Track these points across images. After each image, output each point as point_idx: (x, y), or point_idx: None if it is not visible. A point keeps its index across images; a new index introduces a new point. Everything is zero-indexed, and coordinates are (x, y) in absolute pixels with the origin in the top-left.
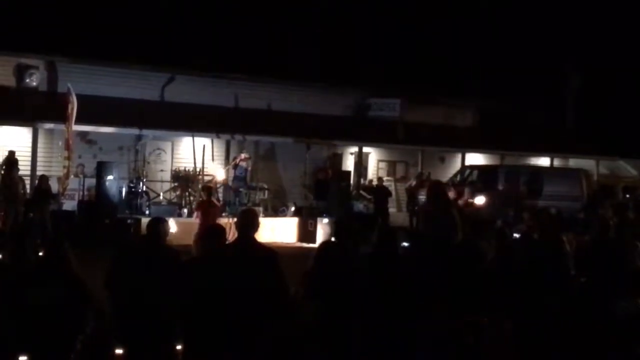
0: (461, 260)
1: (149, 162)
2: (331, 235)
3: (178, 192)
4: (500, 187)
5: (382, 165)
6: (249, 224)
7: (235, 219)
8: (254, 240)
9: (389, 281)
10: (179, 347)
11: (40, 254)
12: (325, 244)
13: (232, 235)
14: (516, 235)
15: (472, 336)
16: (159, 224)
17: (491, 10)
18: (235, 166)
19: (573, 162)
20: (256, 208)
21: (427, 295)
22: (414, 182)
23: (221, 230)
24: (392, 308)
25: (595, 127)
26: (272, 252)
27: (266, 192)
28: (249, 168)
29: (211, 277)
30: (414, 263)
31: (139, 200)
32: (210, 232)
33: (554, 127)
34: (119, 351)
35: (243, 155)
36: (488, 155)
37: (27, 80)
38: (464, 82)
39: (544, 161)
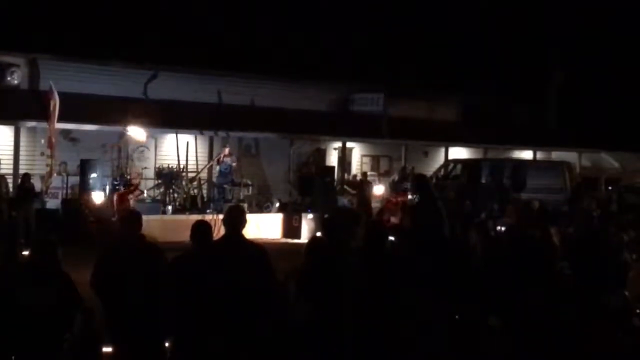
0: (452, 254)
1: (132, 160)
2: (316, 230)
3: (162, 189)
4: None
5: (366, 160)
6: (236, 221)
7: (220, 216)
8: (242, 236)
9: (379, 276)
10: (167, 344)
11: (25, 252)
12: (314, 239)
13: (217, 231)
14: (502, 228)
15: (463, 331)
16: (133, 218)
17: (474, 5)
18: (219, 162)
19: (555, 155)
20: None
21: (418, 291)
22: (396, 177)
23: (208, 227)
24: (383, 304)
25: (578, 120)
26: (260, 249)
27: (250, 188)
28: (234, 164)
29: (200, 274)
30: (403, 258)
31: None
32: (197, 228)
33: (536, 121)
34: (106, 349)
35: (227, 151)
36: (471, 149)
37: (9, 79)
38: (447, 76)
39: (527, 154)
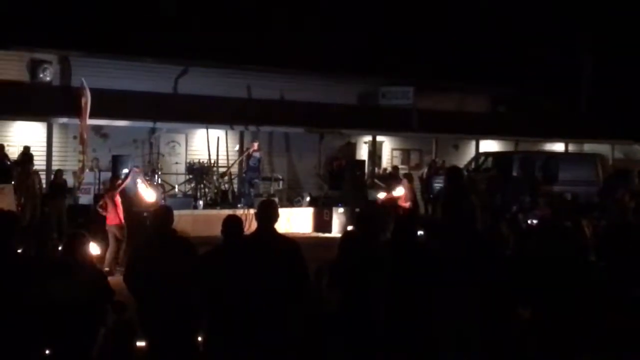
0: (483, 246)
1: (163, 155)
2: (347, 224)
3: (193, 184)
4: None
5: (396, 153)
6: (269, 215)
7: (251, 210)
8: (275, 230)
9: (408, 268)
10: (200, 338)
11: (60, 247)
12: (347, 233)
13: (248, 226)
14: (534, 221)
15: (494, 324)
16: (164, 212)
17: None
18: (249, 157)
19: (588, 147)
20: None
21: (448, 284)
22: (425, 170)
23: (239, 221)
24: (412, 295)
25: (610, 112)
26: (293, 243)
27: (281, 182)
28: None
29: (233, 268)
30: (434, 251)
31: None
32: (228, 223)
33: (568, 112)
34: (140, 343)
35: (256, 145)
36: (502, 141)
37: (41, 75)
38: (476, 68)
39: (558, 147)
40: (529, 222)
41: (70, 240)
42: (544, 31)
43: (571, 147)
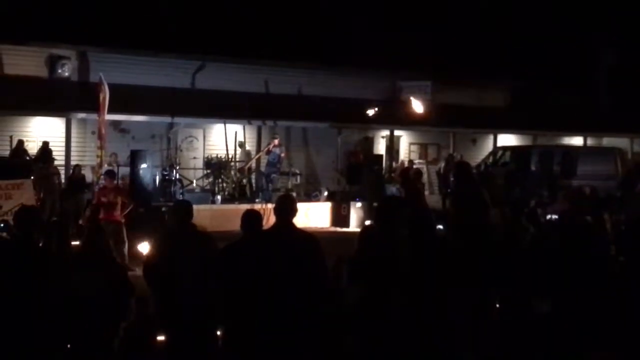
0: (500, 240)
1: (181, 150)
2: (364, 219)
3: (211, 179)
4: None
5: (414, 148)
6: (287, 210)
7: (268, 205)
8: (293, 225)
9: (426, 264)
10: (219, 332)
11: (76, 242)
12: (366, 228)
13: (266, 220)
14: (554, 215)
15: (509, 316)
16: (184, 206)
17: None
18: (268, 152)
19: (607, 141)
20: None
21: (465, 277)
22: (442, 164)
23: (258, 215)
24: (430, 290)
25: (629, 105)
26: (311, 237)
27: (299, 177)
28: (283, 154)
29: (252, 263)
30: (450, 245)
31: (172, 187)
32: (247, 217)
33: (586, 106)
34: (160, 337)
35: (277, 141)
36: (520, 136)
37: (59, 71)
38: (494, 62)
39: (577, 141)
40: (548, 217)
41: (89, 234)
42: (561, 25)
43: (590, 141)
